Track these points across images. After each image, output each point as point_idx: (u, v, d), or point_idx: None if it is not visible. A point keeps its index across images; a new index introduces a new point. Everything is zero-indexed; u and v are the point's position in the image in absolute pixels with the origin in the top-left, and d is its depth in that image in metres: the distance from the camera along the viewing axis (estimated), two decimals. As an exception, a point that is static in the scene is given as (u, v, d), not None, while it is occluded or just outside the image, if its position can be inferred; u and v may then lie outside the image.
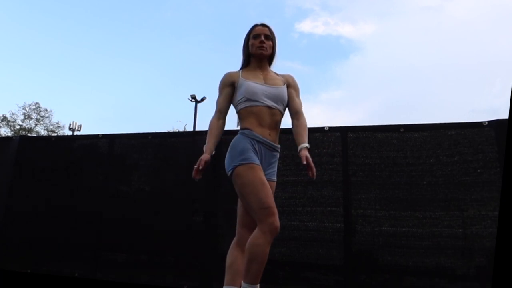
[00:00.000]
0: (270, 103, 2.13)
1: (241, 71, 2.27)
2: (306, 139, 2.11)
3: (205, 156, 2.09)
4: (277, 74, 2.30)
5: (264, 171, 2.05)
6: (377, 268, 3.03)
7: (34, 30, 40.92)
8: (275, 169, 2.17)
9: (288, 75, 2.32)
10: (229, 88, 2.24)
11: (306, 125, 2.19)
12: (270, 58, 2.30)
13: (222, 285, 2.01)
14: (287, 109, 2.26)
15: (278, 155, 2.18)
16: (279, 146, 2.18)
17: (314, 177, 2.01)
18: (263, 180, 1.96)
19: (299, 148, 2.08)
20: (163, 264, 3.56)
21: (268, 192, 1.95)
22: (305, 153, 2.03)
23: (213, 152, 2.15)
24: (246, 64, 2.29)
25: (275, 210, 1.92)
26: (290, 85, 2.27)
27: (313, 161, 2.03)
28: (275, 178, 2.16)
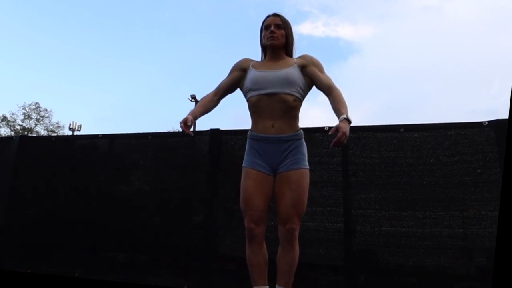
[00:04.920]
0: (272, 89, 2.03)
1: (256, 61, 2.23)
2: (344, 111, 1.93)
3: (185, 117, 2.05)
4: (293, 59, 2.17)
5: (278, 165, 2.01)
6: (377, 268, 3.03)
7: (34, 30, 40.92)
8: (296, 156, 2.01)
9: (304, 55, 2.17)
10: (238, 72, 2.21)
11: (340, 96, 2.02)
12: (286, 48, 2.18)
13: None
14: (313, 90, 2.14)
15: (297, 142, 2.04)
16: (293, 133, 2.05)
17: (332, 145, 1.90)
18: (246, 186, 2.04)
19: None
20: (163, 264, 3.56)
21: (247, 195, 2.01)
22: (340, 124, 1.87)
23: (197, 117, 2.12)
24: (264, 56, 2.25)
25: (250, 212, 2.00)
26: (308, 63, 2.12)
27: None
28: (297, 167, 2.00)
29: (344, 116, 1.92)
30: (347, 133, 1.88)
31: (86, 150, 4.17)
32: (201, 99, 2.26)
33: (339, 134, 1.85)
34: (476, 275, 2.80)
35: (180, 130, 2.04)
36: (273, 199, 2.07)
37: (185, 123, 2.02)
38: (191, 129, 2.06)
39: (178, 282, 3.39)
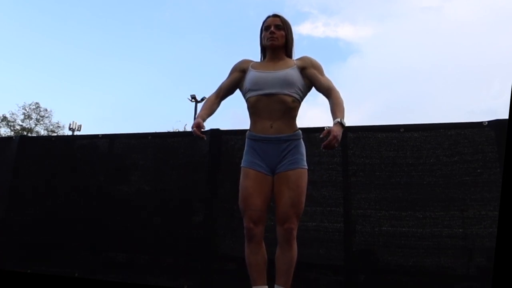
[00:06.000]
0: (271, 90, 2.03)
1: (255, 61, 2.24)
2: (339, 114, 1.95)
3: (196, 120, 2.07)
4: (293, 60, 2.19)
5: (277, 165, 2.02)
6: (377, 268, 3.03)
7: (34, 30, 40.92)
8: (294, 156, 2.02)
9: (304, 57, 2.19)
10: (238, 73, 2.22)
11: (338, 98, 2.03)
12: (286, 48, 2.19)
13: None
14: (313, 90, 2.15)
15: (295, 142, 2.05)
16: (292, 133, 2.06)
17: (323, 148, 1.92)
18: (245, 186, 2.04)
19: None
20: (163, 264, 3.56)
21: (246, 194, 2.02)
22: (332, 127, 1.90)
23: (205, 119, 2.12)
24: (263, 57, 2.25)
25: (249, 212, 2.00)
26: (308, 65, 2.12)
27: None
28: (295, 167, 2.01)
29: (338, 120, 1.93)
30: (339, 137, 1.90)
31: (86, 150, 4.17)
32: (204, 102, 2.27)
33: (330, 138, 1.88)
34: (476, 275, 2.80)
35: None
36: (273, 199, 2.07)
37: (197, 127, 2.03)
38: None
39: (178, 282, 3.39)
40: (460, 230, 2.90)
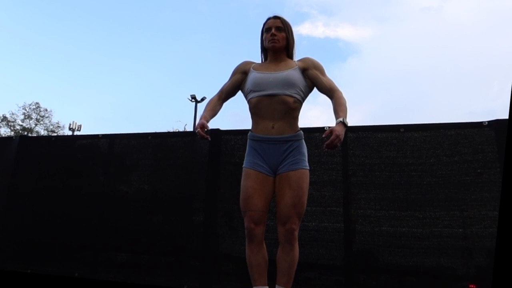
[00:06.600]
0: (273, 90, 2.04)
1: (256, 63, 2.25)
2: (342, 114, 1.96)
3: (200, 121, 2.08)
4: (294, 61, 2.19)
5: (278, 166, 2.02)
6: (377, 268, 3.03)
7: (33, 30, 40.91)
8: (296, 157, 2.02)
9: (305, 58, 2.19)
10: (239, 75, 2.23)
11: (341, 98, 2.04)
12: (287, 50, 2.20)
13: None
14: (314, 90, 2.16)
15: (297, 142, 2.05)
16: (293, 134, 2.05)
17: (325, 148, 1.91)
18: (246, 187, 2.04)
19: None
20: (163, 264, 3.57)
21: (247, 195, 2.02)
22: (335, 127, 1.90)
23: (209, 120, 2.13)
24: (265, 59, 2.26)
25: (250, 213, 2.00)
26: (310, 66, 2.13)
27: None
28: (297, 167, 2.00)
29: (340, 119, 1.94)
30: (341, 136, 1.90)
31: (86, 150, 4.18)
32: (207, 103, 2.27)
33: (332, 137, 1.88)
34: (476, 275, 2.80)
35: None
36: (273, 200, 2.07)
37: (202, 128, 2.03)
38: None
39: (178, 282, 3.39)
40: (460, 230, 2.91)
